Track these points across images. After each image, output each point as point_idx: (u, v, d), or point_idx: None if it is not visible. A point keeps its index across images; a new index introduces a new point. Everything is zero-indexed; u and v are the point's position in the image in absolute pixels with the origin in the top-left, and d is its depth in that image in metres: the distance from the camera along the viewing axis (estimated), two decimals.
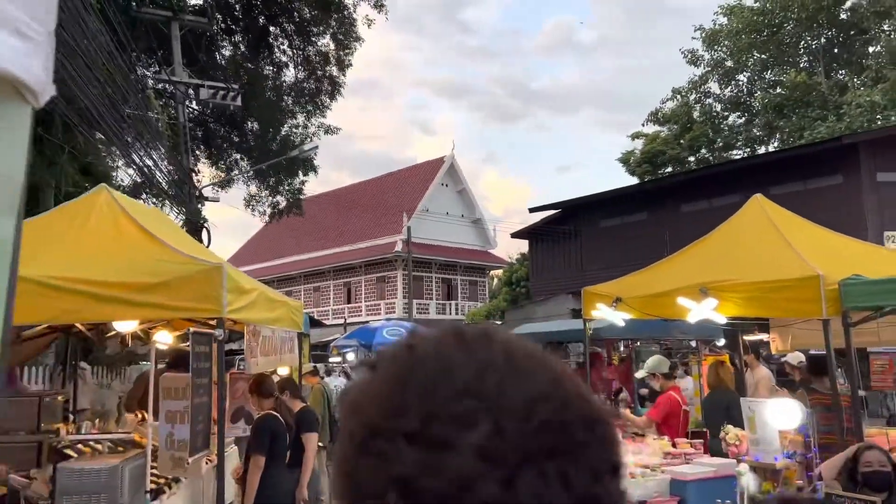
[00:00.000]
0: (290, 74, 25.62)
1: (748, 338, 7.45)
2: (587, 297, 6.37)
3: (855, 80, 30.50)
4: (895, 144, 19.20)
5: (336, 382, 12.03)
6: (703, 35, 32.88)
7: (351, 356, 13.88)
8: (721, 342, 8.17)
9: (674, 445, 5.15)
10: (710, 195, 22.61)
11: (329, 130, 24.85)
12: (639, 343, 8.16)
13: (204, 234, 18.16)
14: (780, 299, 4.90)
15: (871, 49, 30.56)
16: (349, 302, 44.28)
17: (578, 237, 27.12)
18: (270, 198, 27.33)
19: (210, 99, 17.82)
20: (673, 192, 23.67)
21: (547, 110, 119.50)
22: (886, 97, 24.51)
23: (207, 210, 27.07)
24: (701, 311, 5.25)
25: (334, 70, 24.52)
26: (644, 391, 8.10)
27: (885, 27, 29.98)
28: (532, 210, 27.82)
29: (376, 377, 0.58)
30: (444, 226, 43.05)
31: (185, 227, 15.76)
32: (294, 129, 26.13)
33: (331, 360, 15.70)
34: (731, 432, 4.40)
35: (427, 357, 0.57)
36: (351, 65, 25.03)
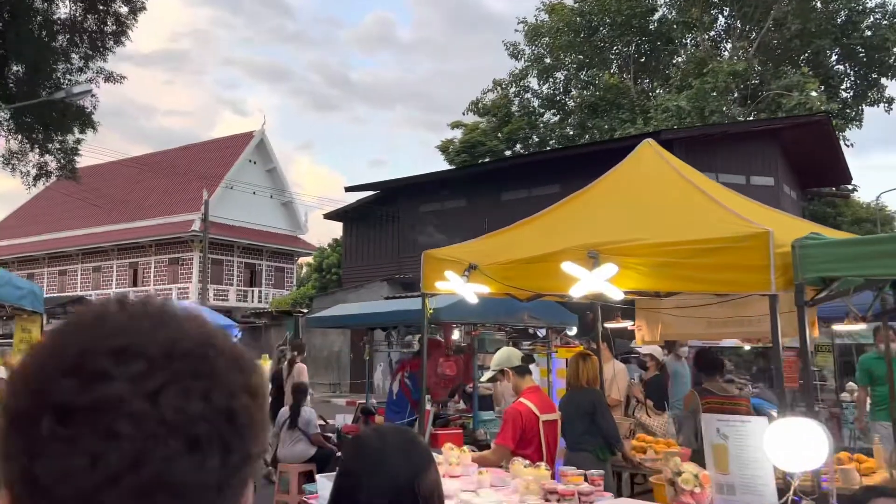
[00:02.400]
0: (65, 8, 21.47)
1: (609, 325, 6.20)
2: (429, 264, 4.62)
3: (658, 88, 32.05)
4: (706, 144, 19.73)
5: None
6: (526, 29, 32.91)
7: None
8: (573, 330, 6.90)
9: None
10: (529, 184, 22.10)
11: (111, 78, 21.08)
12: (480, 330, 6.61)
13: None
14: (708, 267, 3.45)
15: (677, 59, 32.24)
16: (135, 285, 39.48)
17: (396, 221, 25.62)
18: (38, 157, 22.98)
19: None
20: (493, 180, 22.91)
21: (364, 103, 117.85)
22: (691, 103, 25.61)
23: None
24: (592, 281, 3.70)
25: (122, 7, 20.79)
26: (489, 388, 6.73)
27: (688, 39, 31.77)
28: (349, 189, 25.95)
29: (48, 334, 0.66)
30: (250, 206, 39.88)
31: None
32: (69, 76, 21.98)
33: None
34: (686, 472, 2.84)
35: (88, 311, 0.66)
36: (144, 7, 21.35)
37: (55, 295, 39.38)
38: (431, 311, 4.69)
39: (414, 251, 24.43)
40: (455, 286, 4.35)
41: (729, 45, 31.38)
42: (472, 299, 4.42)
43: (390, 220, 25.70)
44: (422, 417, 5.37)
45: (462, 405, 6.50)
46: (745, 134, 20.14)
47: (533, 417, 4.43)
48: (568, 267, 3.76)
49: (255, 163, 41.80)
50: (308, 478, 7.94)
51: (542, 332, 6.49)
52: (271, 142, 42.76)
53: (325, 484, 7.96)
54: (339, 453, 7.77)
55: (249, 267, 41.16)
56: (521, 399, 4.50)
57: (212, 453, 0.59)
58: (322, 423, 8.39)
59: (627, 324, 6.22)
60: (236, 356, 0.66)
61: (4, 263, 43.31)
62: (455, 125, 34.48)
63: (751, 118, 25.66)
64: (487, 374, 4.79)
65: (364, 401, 8.96)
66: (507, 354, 4.70)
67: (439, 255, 4.58)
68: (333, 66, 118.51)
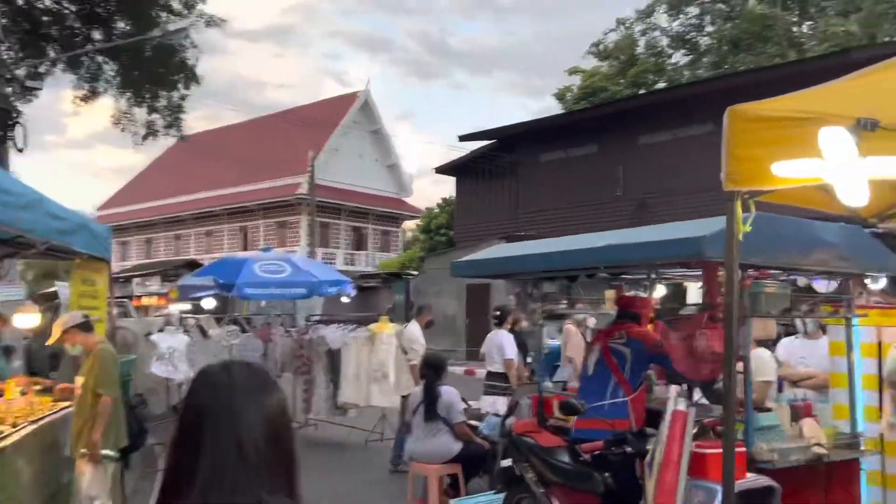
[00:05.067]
0: None
1: None
2: (741, 132, 2.29)
3: (812, 18, 27.72)
4: None
5: (170, 341, 7.61)
6: None
7: (209, 302, 9.46)
8: (881, 282, 4.39)
9: None
10: (673, 124, 19.07)
11: (211, 22, 19.75)
12: (750, 280, 3.99)
13: (18, 132, 13.15)
14: None
15: None
16: (246, 249, 39.16)
17: (514, 173, 23.22)
18: (146, 115, 22.31)
19: None
20: (628, 120, 19.96)
21: (463, 70, 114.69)
22: (863, 27, 21.61)
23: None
24: None
25: None
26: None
27: None
28: (462, 138, 23.62)
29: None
30: (356, 169, 38.84)
31: None
32: (168, 24, 20.85)
33: (170, 307, 11.31)
34: None
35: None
36: None
37: (171, 258, 39.87)
38: (745, 230, 2.37)
39: (536, 206, 21.99)
40: (827, 168, 2.02)
41: None
42: (861, 199, 2.09)
43: (508, 172, 23.35)
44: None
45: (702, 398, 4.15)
46: None
47: None
48: None
49: (359, 124, 40.47)
50: (452, 482, 5.87)
51: (826, 285, 4.09)
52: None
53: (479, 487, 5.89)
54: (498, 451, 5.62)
55: (356, 230, 40.27)
56: None
57: None
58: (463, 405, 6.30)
59: None
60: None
61: (124, 229, 44.48)
62: (573, 71, 31.49)
63: None
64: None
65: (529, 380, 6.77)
66: None
67: (768, 110, 2.25)
68: (432, 34, 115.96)
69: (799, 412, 4.02)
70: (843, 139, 1.96)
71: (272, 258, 8.89)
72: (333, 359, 9.45)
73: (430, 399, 5.88)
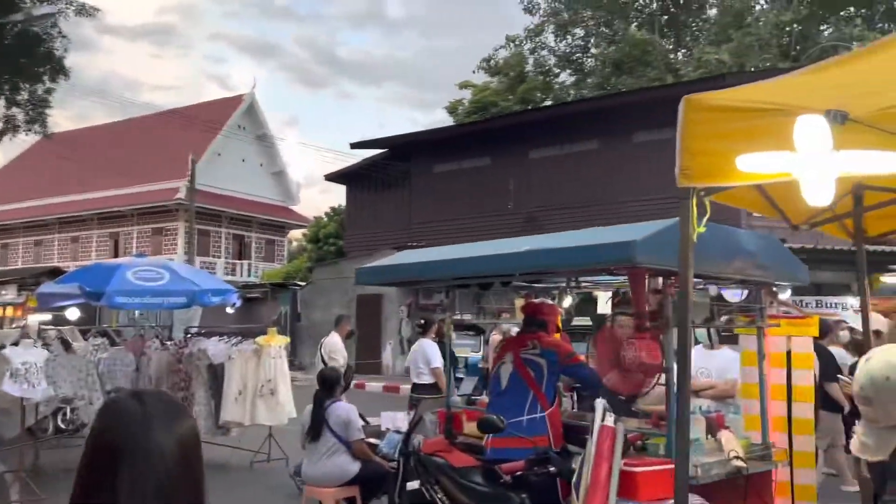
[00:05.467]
0: None
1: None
2: (698, 124, 2.09)
3: (688, 45, 29.43)
4: None
5: (25, 356, 6.73)
6: None
7: (73, 313, 8.50)
8: (787, 293, 4.40)
9: None
10: (562, 140, 19.48)
11: (82, 11, 18.28)
12: (672, 287, 3.80)
13: None
14: None
15: (707, 12, 29.64)
16: (116, 256, 36.60)
17: (407, 183, 22.96)
18: (4, 109, 20.41)
19: None
20: (520, 134, 20.21)
21: (353, 81, 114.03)
22: (733, 57, 23.07)
23: None
24: None
25: None
26: None
27: None
28: (354, 146, 23.12)
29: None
30: (239, 175, 37.42)
31: None
32: (33, 9, 19.18)
33: (28, 318, 10.15)
34: None
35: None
36: None
37: (30, 266, 36.74)
38: (700, 230, 2.17)
39: (428, 217, 21.83)
40: (798, 161, 1.84)
41: None
42: (828, 196, 1.92)
43: (400, 181, 23.06)
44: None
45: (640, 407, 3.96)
46: None
47: None
48: None
49: (244, 128, 38.98)
50: None
51: (736, 294, 4.03)
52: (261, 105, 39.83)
53: None
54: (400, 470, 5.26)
55: (238, 238, 38.65)
56: None
57: None
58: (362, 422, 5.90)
59: None
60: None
61: None
62: (464, 85, 31.72)
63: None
64: None
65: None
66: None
67: (728, 100, 2.06)
68: (321, 42, 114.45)
69: (713, 424, 3.94)
70: (820, 129, 1.78)
71: (149, 264, 8.09)
72: (215, 374, 8.76)
73: (317, 417, 5.46)
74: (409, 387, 17.54)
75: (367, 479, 5.45)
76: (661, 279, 3.50)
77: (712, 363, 5.29)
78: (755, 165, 1.99)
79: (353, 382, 18.95)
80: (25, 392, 6.57)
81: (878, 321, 5.15)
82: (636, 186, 17.21)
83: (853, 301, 8.92)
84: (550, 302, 4.77)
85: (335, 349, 7.72)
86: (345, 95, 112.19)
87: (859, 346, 5.27)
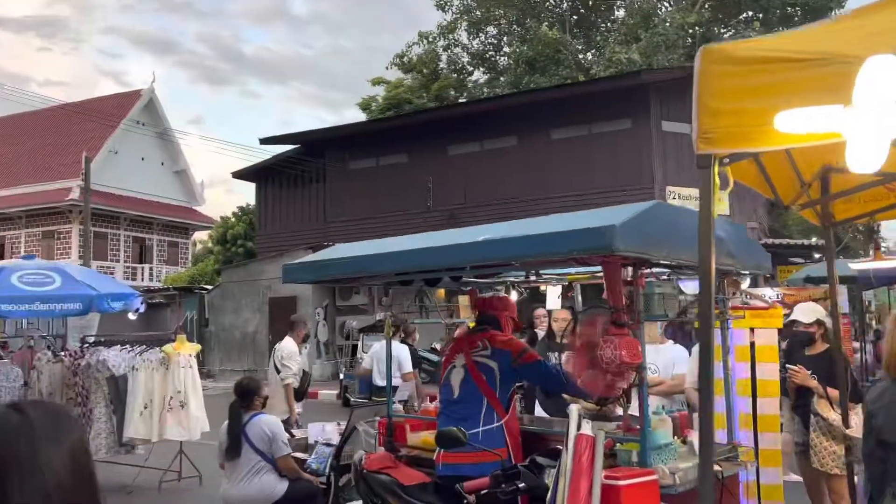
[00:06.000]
0: None
1: None
2: (718, 78, 1.74)
3: (598, 45, 29.97)
4: (682, 90, 17.58)
5: None
6: None
7: None
8: (746, 282, 4.18)
9: None
10: (481, 136, 19.28)
11: None
12: (643, 275, 3.43)
13: None
14: None
15: (616, 13, 30.28)
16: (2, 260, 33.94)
17: (321, 181, 22.17)
18: None
19: None
20: (438, 131, 19.87)
21: (258, 78, 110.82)
22: (643, 56, 23.58)
23: None
24: None
25: None
26: None
27: None
28: (263, 141, 22.13)
29: None
30: (139, 174, 35.58)
31: None
32: None
33: None
34: None
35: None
36: None
37: None
38: (722, 206, 1.82)
39: (345, 215, 21.16)
40: (852, 119, 1.52)
41: None
42: (876, 162, 1.61)
43: (314, 179, 22.25)
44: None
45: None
46: None
47: None
48: None
49: (142, 124, 36.97)
50: None
51: (692, 285, 3.79)
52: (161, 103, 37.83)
53: None
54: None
55: (139, 241, 36.67)
56: None
57: None
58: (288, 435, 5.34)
59: None
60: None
61: None
62: (377, 81, 31.13)
63: None
64: None
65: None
66: None
67: (756, 49, 1.72)
68: (224, 39, 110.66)
69: (677, 425, 3.67)
70: (889, 75, 1.47)
71: (37, 267, 7.19)
72: (117, 387, 7.93)
73: (235, 433, 4.89)
74: (329, 392, 17.01)
75: (295, 499, 4.92)
76: (630, 269, 3.17)
77: (659, 359, 5.07)
78: (797, 124, 1.66)
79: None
80: None
81: (816, 311, 5.05)
82: (556, 182, 17.21)
83: (770, 292, 9.02)
84: (502, 295, 4.37)
85: (289, 355, 7.06)
86: (250, 94, 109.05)
87: (797, 334, 5.17)
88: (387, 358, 4.86)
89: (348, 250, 4.02)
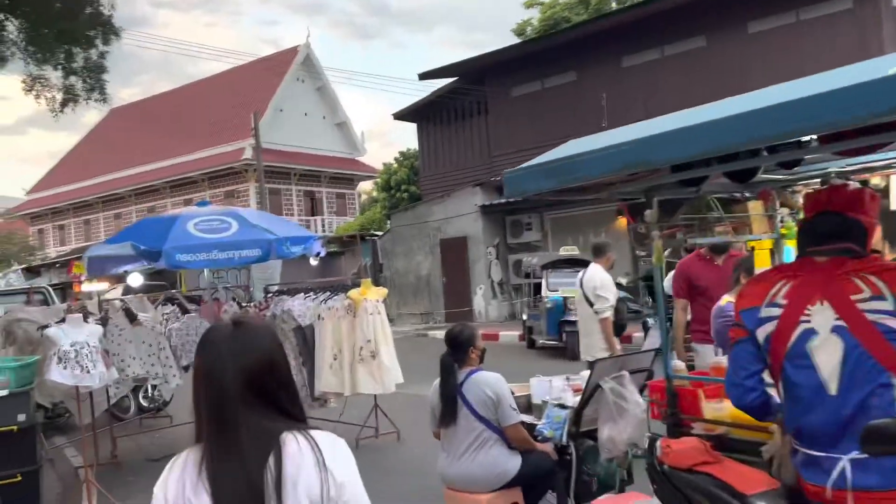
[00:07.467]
0: None
1: None
2: None
3: None
4: None
5: (74, 335, 5.42)
6: None
7: (135, 279, 7.22)
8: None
9: None
10: (661, 40, 17.06)
11: None
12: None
13: None
14: None
15: None
16: None
17: (483, 113, 20.99)
18: (62, 79, 19.49)
19: None
20: (610, 42, 17.86)
21: (403, 28, 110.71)
22: None
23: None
24: None
25: None
26: None
27: None
28: (423, 76, 21.27)
29: None
30: (303, 130, 36.48)
31: None
32: None
33: (84, 287, 8.99)
34: None
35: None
36: None
37: None
38: None
39: (510, 147, 19.90)
40: None
41: None
42: None
43: (476, 111, 21.10)
44: None
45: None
46: None
47: None
48: None
49: (302, 81, 37.74)
50: None
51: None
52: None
53: None
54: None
55: (309, 195, 37.90)
56: None
57: None
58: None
59: None
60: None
61: (59, 211, 41.25)
62: (530, 3, 29.16)
63: None
64: None
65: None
66: None
67: None
68: None
69: None
70: None
71: (211, 213, 6.63)
72: (304, 338, 7.38)
73: (449, 395, 3.87)
74: (509, 333, 16.13)
75: (531, 476, 3.87)
76: None
77: None
78: None
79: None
80: (78, 379, 5.28)
81: None
82: (758, 87, 14.74)
83: None
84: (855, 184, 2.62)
85: (603, 284, 6.03)
86: (397, 45, 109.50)
87: None
88: (659, 292, 3.48)
89: (590, 143, 2.75)
